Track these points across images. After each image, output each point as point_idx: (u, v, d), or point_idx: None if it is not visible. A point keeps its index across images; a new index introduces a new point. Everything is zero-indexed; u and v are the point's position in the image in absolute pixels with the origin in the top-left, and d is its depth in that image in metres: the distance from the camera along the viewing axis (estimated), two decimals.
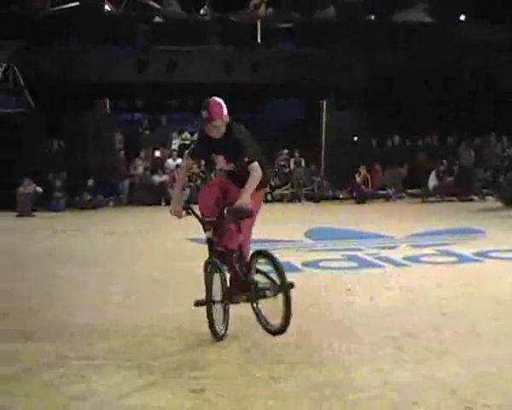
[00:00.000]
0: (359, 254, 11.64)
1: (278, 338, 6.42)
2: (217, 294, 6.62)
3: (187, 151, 7.47)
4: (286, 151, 24.31)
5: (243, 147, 6.55)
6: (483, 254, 11.39)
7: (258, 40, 27.29)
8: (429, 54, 27.23)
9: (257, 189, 6.58)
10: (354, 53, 26.77)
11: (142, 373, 5.67)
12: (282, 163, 24.04)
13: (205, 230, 6.97)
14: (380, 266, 10.57)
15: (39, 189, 19.88)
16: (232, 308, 6.73)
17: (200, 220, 6.98)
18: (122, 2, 26.53)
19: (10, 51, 22.51)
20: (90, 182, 21.22)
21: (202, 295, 6.58)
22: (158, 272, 10.35)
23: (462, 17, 30.05)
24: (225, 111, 6.68)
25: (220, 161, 6.93)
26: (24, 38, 23.82)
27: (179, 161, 22.90)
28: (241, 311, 6.86)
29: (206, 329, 6.53)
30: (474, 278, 9.63)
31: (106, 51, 25.74)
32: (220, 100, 6.72)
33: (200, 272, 6.83)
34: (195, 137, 24.43)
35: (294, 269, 10.20)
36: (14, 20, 24.92)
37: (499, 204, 20.97)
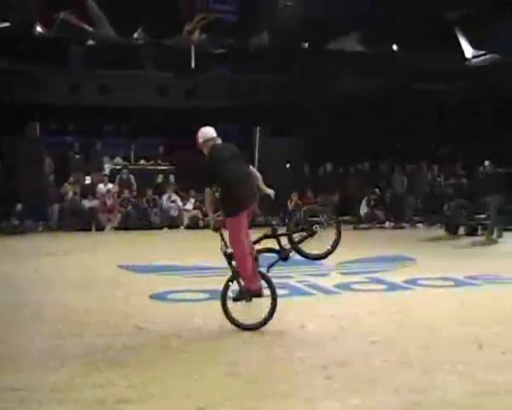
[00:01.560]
0: (290, 281, 11.56)
1: None
2: None
3: None
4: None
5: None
6: (413, 282, 11.47)
7: (193, 65, 27.19)
8: (363, 82, 27.58)
9: None
10: (288, 79, 26.92)
11: None
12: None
13: None
14: (310, 294, 10.54)
15: None
16: None
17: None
18: (54, 24, 26.15)
19: None
20: (19, 207, 20.77)
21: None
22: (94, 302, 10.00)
23: (395, 47, 30.51)
24: (199, 138, 8.30)
25: None
26: None
27: (110, 186, 22.68)
28: None
29: None
30: (404, 306, 9.68)
31: (38, 73, 25.33)
32: (203, 128, 8.39)
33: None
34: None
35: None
36: None
37: (431, 231, 21.33)
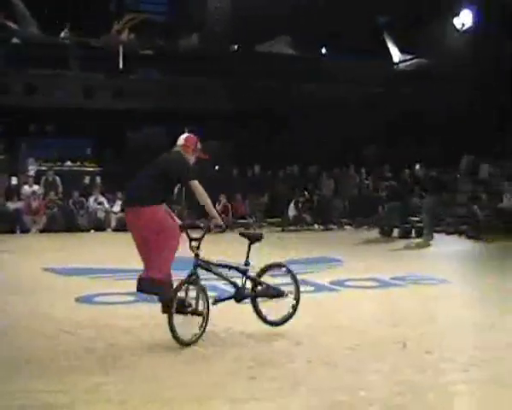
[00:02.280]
0: (215, 283, 11.53)
1: None
2: None
3: None
4: None
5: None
6: (339, 283, 11.60)
7: (121, 66, 26.97)
8: (292, 85, 27.78)
9: None
10: (218, 82, 26.94)
11: None
12: None
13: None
14: None
15: None
16: None
17: None
18: None
19: None
20: None
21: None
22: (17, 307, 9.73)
23: (324, 50, 30.86)
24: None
25: None
26: None
27: (36, 187, 22.27)
28: None
29: None
30: (330, 307, 9.78)
31: None
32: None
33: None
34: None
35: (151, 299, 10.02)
36: None
37: (359, 233, 21.60)
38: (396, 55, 31.12)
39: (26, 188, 22.30)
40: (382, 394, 5.90)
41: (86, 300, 10.10)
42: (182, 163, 7.90)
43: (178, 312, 7.35)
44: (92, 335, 7.93)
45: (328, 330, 8.21)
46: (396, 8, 27.66)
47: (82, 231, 21.38)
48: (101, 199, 22.40)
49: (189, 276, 7.55)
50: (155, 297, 7.83)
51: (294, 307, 8.12)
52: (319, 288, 11.27)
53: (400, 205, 20.97)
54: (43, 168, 23.49)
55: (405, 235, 20.43)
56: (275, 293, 8.10)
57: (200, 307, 7.54)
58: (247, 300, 8.06)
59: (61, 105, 25.16)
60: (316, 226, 23.58)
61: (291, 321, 8.56)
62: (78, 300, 10.05)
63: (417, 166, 24.54)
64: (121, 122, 27.03)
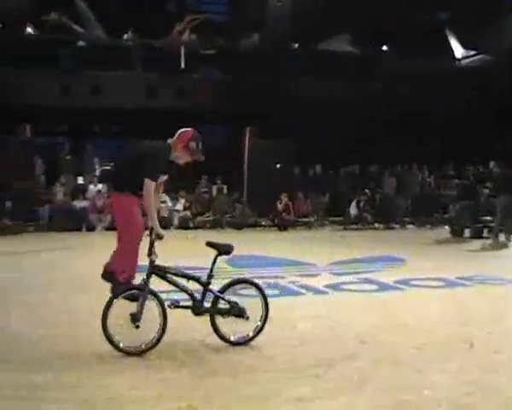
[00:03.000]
0: (281, 281, 11.61)
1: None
2: None
3: None
4: (205, 177, 24.24)
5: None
6: (404, 283, 11.51)
7: (182, 66, 27.21)
8: (354, 84, 27.67)
9: None
10: (279, 81, 26.94)
11: None
12: (204, 190, 23.96)
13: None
14: (301, 294, 10.56)
15: None
16: None
17: None
18: (44, 26, 26.16)
19: None
20: (8, 204, 20.71)
21: None
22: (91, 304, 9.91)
23: (385, 48, 30.63)
24: None
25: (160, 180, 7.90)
26: None
27: (100, 186, 22.67)
28: None
29: None
30: (394, 306, 9.70)
31: (28, 74, 25.28)
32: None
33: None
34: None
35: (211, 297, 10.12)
36: None
37: (421, 232, 21.39)
38: (458, 51, 30.71)
39: (91, 187, 22.72)
40: (450, 393, 5.86)
41: None
42: (153, 156, 7.60)
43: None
44: None
45: (393, 330, 8.16)
46: (459, 3, 27.26)
47: (145, 228, 21.55)
48: (164, 198, 22.63)
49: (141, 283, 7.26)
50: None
51: (258, 330, 7.52)
52: (383, 287, 11.21)
53: (471, 204, 20.33)
54: (108, 168, 23.86)
55: (477, 235, 19.78)
56: (236, 312, 7.41)
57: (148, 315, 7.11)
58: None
59: (125, 105, 25.49)
60: (377, 225, 23.45)
61: (355, 320, 8.56)
62: None
63: (491, 164, 24.10)
64: (183, 121, 27.21)
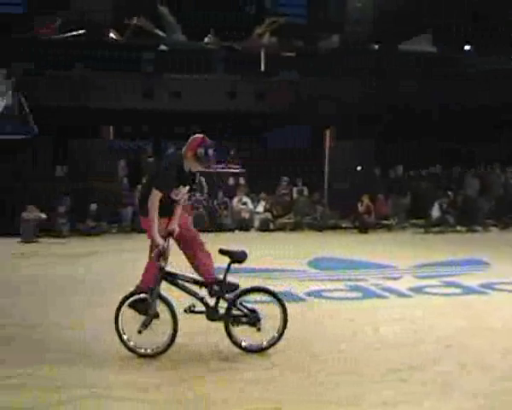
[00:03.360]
0: (363, 284, 11.56)
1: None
2: None
3: None
4: (286, 179, 24.27)
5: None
6: (489, 286, 11.31)
7: (262, 68, 27.35)
8: (435, 84, 27.30)
9: None
10: (359, 82, 26.81)
11: None
12: (284, 191, 23.99)
13: None
14: (384, 297, 10.50)
15: (43, 215, 19.78)
16: None
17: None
18: (127, 31, 26.67)
19: (16, 78, 22.57)
20: (93, 207, 21.14)
21: None
22: None
23: (467, 47, 30.17)
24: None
25: (182, 193, 7.68)
26: (30, 64, 24.01)
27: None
28: None
29: None
30: (480, 310, 9.55)
31: (111, 78, 25.78)
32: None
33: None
34: None
35: (297, 298, 10.17)
36: (20, 46, 25.09)
37: (506, 235, 20.93)
38: None
39: None
40: None
41: None
42: (163, 168, 7.59)
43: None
44: None
45: (479, 334, 8.05)
46: None
47: (226, 230, 21.78)
48: (245, 199, 22.77)
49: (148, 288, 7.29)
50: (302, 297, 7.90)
51: (273, 342, 7.30)
52: (468, 290, 11.04)
53: None
54: None
55: None
56: (249, 321, 7.27)
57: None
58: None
59: (206, 108, 25.74)
60: (459, 228, 23.04)
61: (439, 323, 8.47)
62: None
63: None
64: (263, 123, 27.38)
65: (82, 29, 25.96)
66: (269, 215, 22.56)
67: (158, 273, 7.25)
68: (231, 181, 24.13)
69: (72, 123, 23.45)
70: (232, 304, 7.29)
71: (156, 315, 7.16)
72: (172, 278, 7.40)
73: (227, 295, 7.37)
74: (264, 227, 22.11)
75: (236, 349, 7.19)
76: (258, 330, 7.22)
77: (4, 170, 20.73)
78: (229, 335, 7.26)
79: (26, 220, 19.52)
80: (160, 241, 7.25)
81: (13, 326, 8.43)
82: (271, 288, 7.55)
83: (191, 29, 27.15)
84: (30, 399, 5.85)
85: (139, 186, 19.88)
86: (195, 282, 7.51)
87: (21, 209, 19.63)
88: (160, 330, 7.13)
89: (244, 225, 22.14)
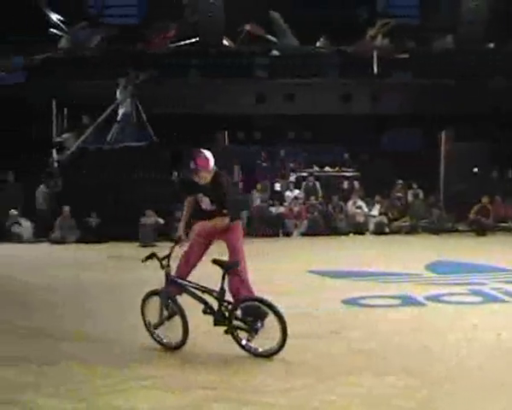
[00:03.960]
0: (484, 288, 11.35)
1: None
2: None
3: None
4: (400, 182, 24.03)
5: (226, 199, 7.78)
6: None
7: (375, 71, 27.20)
8: None
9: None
10: (474, 82, 26.28)
11: None
12: (399, 194, 23.77)
13: None
14: (506, 302, 10.28)
15: (160, 220, 20.26)
16: None
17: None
18: (239, 37, 27.01)
19: (133, 86, 23.18)
20: None
21: None
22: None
23: None
24: (211, 163, 7.76)
25: (205, 202, 7.95)
26: (146, 73, 24.64)
27: (296, 192, 23.10)
28: None
29: None
30: None
31: (224, 85, 26.17)
32: (206, 153, 7.82)
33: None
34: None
35: (416, 303, 10.11)
36: (135, 56, 25.80)
37: None
38: None
39: (287, 193, 23.21)
40: None
41: (352, 302, 10.35)
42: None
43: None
44: (360, 337, 8.14)
45: None
46: None
47: (341, 234, 21.78)
48: (360, 203, 22.69)
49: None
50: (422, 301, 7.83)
51: (271, 352, 7.21)
52: None
53: None
54: (304, 174, 24.25)
55: None
56: (248, 329, 7.37)
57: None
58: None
59: (318, 112, 25.79)
60: None
61: None
62: (344, 302, 10.33)
63: None
64: (377, 126, 27.21)
65: (195, 37, 26.45)
66: (384, 218, 22.40)
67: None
68: (346, 185, 24.10)
69: (187, 129, 23.95)
70: (231, 311, 7.45)
71: (169, 316, 7.68)
72: (180, 284, 7.78)
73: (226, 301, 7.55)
74: (380, 231, 21.98)
75: None
76: (250, 338, 7.32)
77: (125, 176, 21.32)
78: (234, 338, 7.43)
79: (144, 225, 20.08)
80: (179, 232, 8.04)
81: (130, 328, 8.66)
82: (268, 299, 7.42)
83: (303, 33, 27.25)
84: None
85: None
86: (199, 288, 7.71)
87: (140, 215, 20.19)
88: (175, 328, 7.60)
89: (359, 229, 22.05)
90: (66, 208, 20.59)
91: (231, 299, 7.70)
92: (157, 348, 7.69)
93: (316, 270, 13.73)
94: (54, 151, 22.36)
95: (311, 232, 21.59)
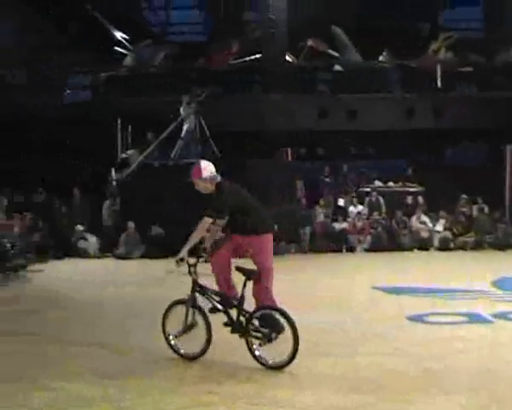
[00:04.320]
0: None
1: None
2: None
3: None
4: (465, 196, 23.71)
5: (212, 202, 7.80)
6: None
7: (439, 85, 26.94)
8: None
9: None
10: None
11: None
12: (464, 210, 23.45)
13: None
14: None
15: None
16: None
17: None
18: (302, 52, 27.07)
19: (197, 103, 23.40)
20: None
21: None
22: (348, 323, 10.06)
23: None
24: (204, 172, 7.85)
25: None
26: (208, 89, 24.86)
27: (360, 207, 22.99)
28: None
29: None
30: None
31: (287, 100, 26.22)
32: (202, 162, 8.04)
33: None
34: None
35: (484, 320, 9.96)
36: (198, 73, 26.07)
37: None
38: None
39: (351, 209, 23.11)
40: None
41: (418, 318, 10.22)
42: None
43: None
44: (425, 354, 8.04)
45: None
46: None
47: (405, 250, 21.60)
48: (424, 218, 22.46)
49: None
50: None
51: (282, 365, 7.31)
52: None
53: None
54: (367, 189, 24.12)
55: None
56: (262, 339, 7.45)
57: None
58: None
59: (381, 127, 25.63)
60: None
61: None
62: (409, 318, 10.22)
63: None
64: (440, 140, 26.94)
65: (258, 53, 26.59)
66: (448, 234, 22.14)
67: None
68: (409, 200, 23.85)
69: (250, 145, 24.08)
70: (248, 320, 7.56)
71: (192, 325, 7.83)
72: (203, 291, 7.91)
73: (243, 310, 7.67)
74: (444, 246, 21.73)
75: None
76: (261, 345, 7.43)
77: (188, 191, 21.47)
78: (249, 348, 7.54)
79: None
80: (180, 255, 7.76)
81: None
82: (284, 309, 7.43)
83: (365, 48, 27.19)
84: None
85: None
86: (219, 296, 7.90)
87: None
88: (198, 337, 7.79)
89: (423, 245, 21.85)
90: (131, 224, 20.87)
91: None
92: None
93: (380, 286, 13.65)
94: (112, 170, 22.66)
95: (375, 248, 21.46)
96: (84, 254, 21.08)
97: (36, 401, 6.43)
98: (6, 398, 6.53)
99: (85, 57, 26.09)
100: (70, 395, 6.59)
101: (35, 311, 11.78)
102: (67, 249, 21.26)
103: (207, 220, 7.68)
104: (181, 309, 7.89)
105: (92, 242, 21.52)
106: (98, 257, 21.05)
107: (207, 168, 7.90)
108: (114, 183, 22.64)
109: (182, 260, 7.64)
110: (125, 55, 27.38)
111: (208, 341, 7.76)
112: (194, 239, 7.70)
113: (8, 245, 16.91)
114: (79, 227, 21.68)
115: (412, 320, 10.12)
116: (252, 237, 7.90)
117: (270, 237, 8.08)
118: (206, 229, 7.82)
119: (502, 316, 10.26)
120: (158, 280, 15.62)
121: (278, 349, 7.31)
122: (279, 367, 7.29)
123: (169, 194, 20.46)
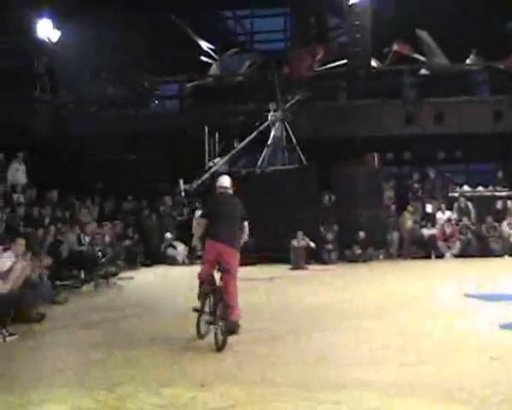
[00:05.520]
0: None
1: None
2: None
3: None
4: None
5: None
6: None
7: None
8: None
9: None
10: None
11: None
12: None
13: None
14: None
15: (311, 243, 20.38)
16: None
17: None
18: (387, 57, 26.88)
19: (283, 110, 23.53)
20: (362, 234, 21.53)
21: None
22: (438, 331, 10.02)
23: None
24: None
25: None
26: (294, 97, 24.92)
27: (448, 213, 22.69)
28: None
29: None
30: None
31: (373, 106, 26.12)
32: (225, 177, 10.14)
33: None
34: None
35: None
36: (283, 80, 26.14)
37: None
38: None
39: (439, 215, 22.85)
40: None
41: (511, 327, 10.02)
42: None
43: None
44: None
45: None
46: None
47: (495, 256, 21.21)
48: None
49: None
50: None
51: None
52: None
53: None
54: (456, 195, 23.79)
55: None
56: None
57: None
58: None
59: (469, 131, 25.26)
60: None
61: None
62: (502, 326, 10.05)
63: None
64: None
65: (343, 59, 26.52)
66: None
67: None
68: (499, 205, 23.39)
69: (336, 151, 24.05)
70: None
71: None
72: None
73: None
74: None
75: None
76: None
77: (275, 199, 21.57)
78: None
79: (295, 248, 20.33)
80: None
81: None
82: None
83: (452, 51, 26.80)
84: None
85: None
86: None
87: (291, 237, 20.44)
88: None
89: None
90: None
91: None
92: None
93: (472, 293, 13.45)
94: (180, 181, 22.91)
95: (464, 254, 21.20)
96: (172, 261, 21.44)
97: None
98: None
99: (175, 69, 26.55)
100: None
101: (128, 317, 12.09)
102: (156, 257, 21.68)
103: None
104: None
105: (180, 249, 21.86)
106: (186, 264, 21.35)
107: (218, 183, 10.18)
108: (183, 193, 22.91)
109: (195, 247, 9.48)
110: (211, 64, 27.69)
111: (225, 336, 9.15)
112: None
113: (100, 253, 17.44)
114: (168, 235, 22.06)
115: (506, 328, 9.92)
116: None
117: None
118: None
119: None
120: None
121: None
122: None
123: (258, 200, 20.68)
